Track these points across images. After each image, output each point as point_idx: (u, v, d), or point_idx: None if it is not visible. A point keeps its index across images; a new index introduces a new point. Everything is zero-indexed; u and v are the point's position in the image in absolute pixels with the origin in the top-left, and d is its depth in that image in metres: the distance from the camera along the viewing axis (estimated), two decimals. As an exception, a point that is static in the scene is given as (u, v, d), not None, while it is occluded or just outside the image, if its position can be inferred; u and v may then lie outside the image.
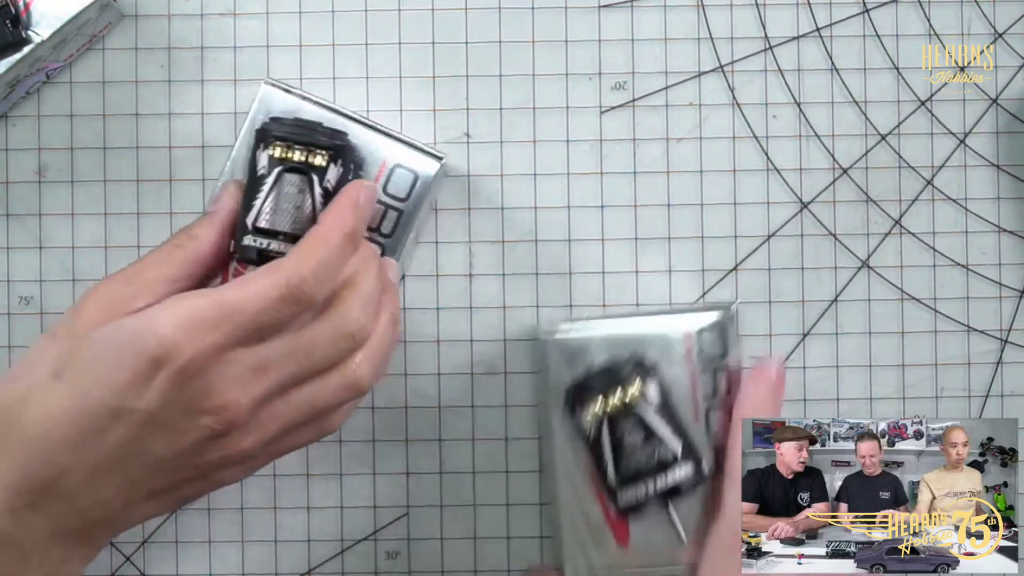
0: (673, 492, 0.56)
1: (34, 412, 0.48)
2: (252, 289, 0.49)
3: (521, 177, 0.63)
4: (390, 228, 0.57)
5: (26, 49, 0.58)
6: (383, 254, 0.57)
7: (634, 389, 0.55)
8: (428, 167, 0.57)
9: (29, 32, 0.58)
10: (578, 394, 0.56)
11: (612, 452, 0.55)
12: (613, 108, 0.63)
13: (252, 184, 0.55)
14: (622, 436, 0.55)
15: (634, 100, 0.63)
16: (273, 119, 0.56)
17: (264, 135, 0.55)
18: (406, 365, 0.63)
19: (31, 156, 0.63)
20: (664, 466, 0.55)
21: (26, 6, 0.58)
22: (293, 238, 0.55)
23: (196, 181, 0.62)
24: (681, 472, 0.55)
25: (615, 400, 0.55)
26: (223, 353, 0.48)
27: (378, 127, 0.58)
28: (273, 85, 0.58)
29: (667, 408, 0.56)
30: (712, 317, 0.58)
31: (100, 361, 0.48)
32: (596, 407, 0.56)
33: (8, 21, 0.58)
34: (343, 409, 0.53)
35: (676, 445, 0.55)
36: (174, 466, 0.49)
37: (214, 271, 0.54)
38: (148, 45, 0.63)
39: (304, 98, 0.57)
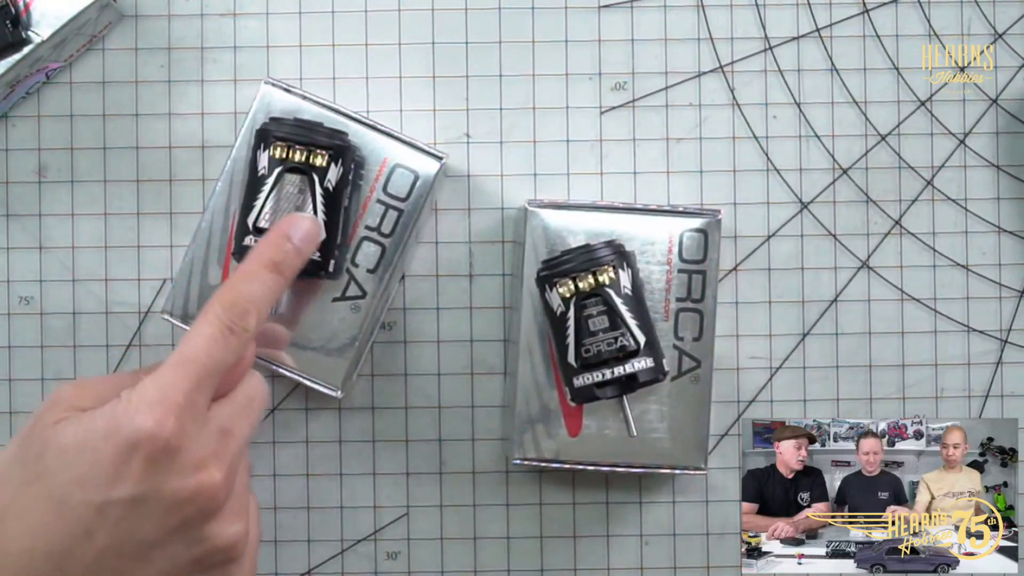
0: (630, 381, 0.55)
1: (14, 527, 0.47)
2: (194, 335, 0.49)
3: (521, 177, 0.63)
4: (390, 228, 0.57)
5: (26, 49, 0.58)
6: (383, 254, 0.57)
7: (608, 274, 0.55)
8: (428, 167, 0.58)
9: (29, 32, 0.58)
10: (552, 269, 0.56)
11: (576, 331, 0.55)
12: (613, 108, 0.63)
13: (252, 184, 0.56)
14: (589, 317, 0.55)
15: (634, 100, 0.63)
16: (273, 119, 0.56)
17: (264, 135, 0.55)
18: (406, 365, 0.63)
19: (31, 156, 0.63)
20: (625, 355, 0.55)
21: (26, 6, 0.58)
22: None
23: (196, 181, 0.62)
24: (640, 364, 0.55)
25: (588, 281, 0.55)
26: (190, 417, 0.48)
27: (378, 127, 0.58)
28: (273, 85, 0.58)
29: (638, 301, 0.56)
30: (697, 222, 0.58)
31: (75, 460, 0.47)
32: (568, 284, 0.55)
33: (8, 21, 0.57)
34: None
35: (640, 337, 0.55)
36: (167, 555, 0.48)
37: None
38: (148, 45, 0.63)
39: (304, 98, 0.57)
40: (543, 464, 0.58)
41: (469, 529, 0.63)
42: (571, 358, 0.55)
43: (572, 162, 0.63)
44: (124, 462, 0.47)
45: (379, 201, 0.57)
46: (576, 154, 0.63)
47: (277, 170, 0.55)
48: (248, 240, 0.55)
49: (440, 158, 0.58)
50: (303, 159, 0.55)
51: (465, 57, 0.63)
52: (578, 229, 0.58)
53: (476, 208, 0.63)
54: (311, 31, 0.63)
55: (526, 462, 0.58)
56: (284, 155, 0.55)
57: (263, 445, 0.63)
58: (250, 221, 0.55)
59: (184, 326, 0.57)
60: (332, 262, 0.56)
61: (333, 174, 0.55)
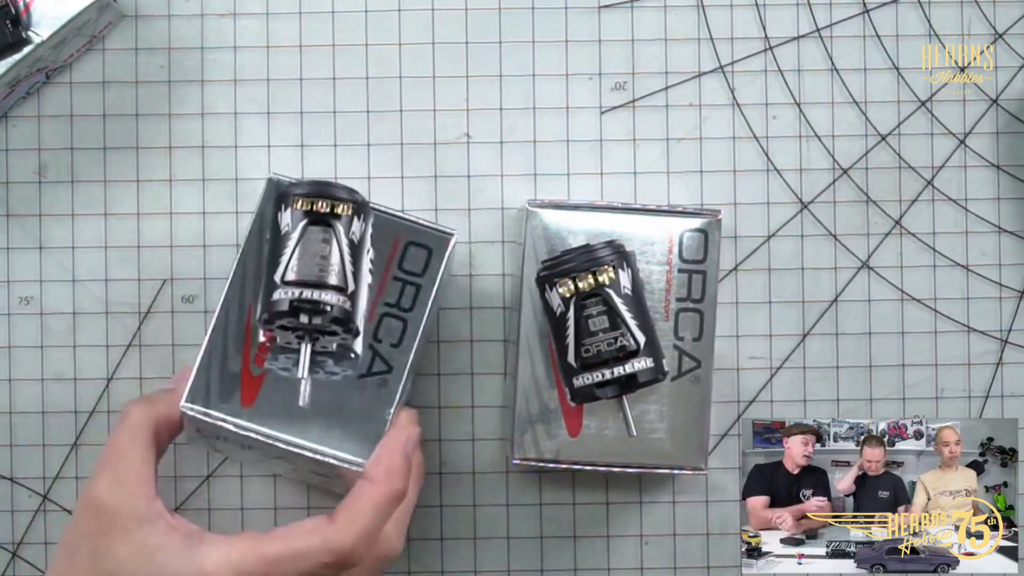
0: (630, 381, 0.55)
1: None
2: (298, 547, 0.49)
3: (521, 177, 0.63)
4: (409, 303, 0.56)
5: (26, 49, 0.58)
6: (405, 328, 0.56)
7: (608, 274, 0.55)
8: (440, 243, 0.57)
9: (29, 32, 0.58)
10: (552, 269, 0.56)
11: (575, 331, 0.55)
12: (613, 108, 0.63)
13: (276, 243, 0.54)
14: (589, 317, 0.55)
15: (634, 100, 0.63)
16: (292, 184, 0.55)
17: (285, 197, 0.55)
18: (406, 365, 0.63)
19: (31, 156, 0.63)
20: (625, 355, 0.55)
21: (26, 6, 0.58)
22: (322, 286, 0.53)
23: (196, 181, 0.62)
24: (640, 364, 0.55)
25: (588, 281, 0.55)
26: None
27: (387, 211, 0.56)
28: (278, 178, 0.56)
29: (638, 301, 0.56)
30: (697, 222, 0.58)
31: None
32: (568, 284, 0.55)
33: (8, 21, 0.57)
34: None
35: (640, 337, 0.55)
36: None
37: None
38: (148, 45, 0.63)
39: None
40: (543, 464, 0.58)
41: (469, 529, 0.63)
42: (571, 358, 0.55)
43: (572, 162, 0.63)
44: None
45: (396, 278, 0.56)
46: (576, 154, 0.63)
47: (301, 224, 0.54)
48: (278, 294, 0.53)
49: (450, 235, 0.57)
50: (327, 210, 0.54)
51: (465, 57, 0.63)
52: (578, 229, 0.58)
53: (476, 208, 0.63)
54: (311, 31, 0.63)
55: (526, 462, 0.58)
56: (308, 207, 0.54)
57: (263, 445, 0.63)
58: (277, 277, 0.53)
59: (206, 411, 0.54)
60: (356, 319, 0.55)
61: (357, 227, 0.55)
